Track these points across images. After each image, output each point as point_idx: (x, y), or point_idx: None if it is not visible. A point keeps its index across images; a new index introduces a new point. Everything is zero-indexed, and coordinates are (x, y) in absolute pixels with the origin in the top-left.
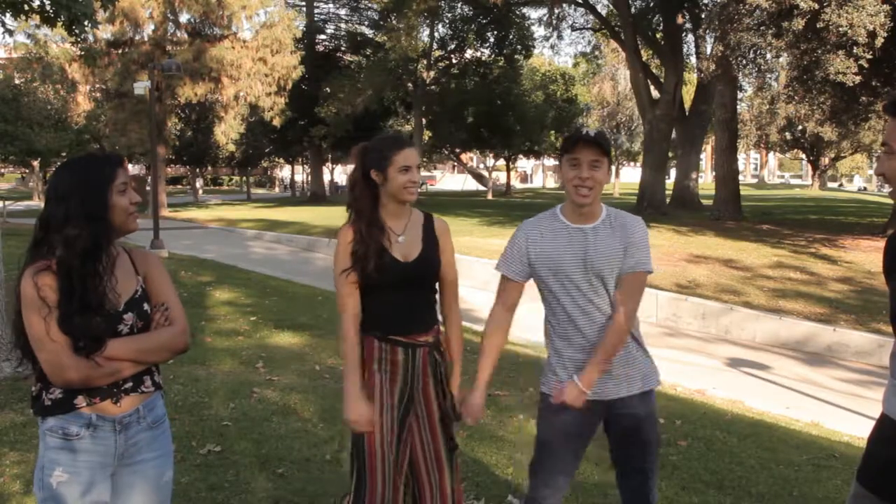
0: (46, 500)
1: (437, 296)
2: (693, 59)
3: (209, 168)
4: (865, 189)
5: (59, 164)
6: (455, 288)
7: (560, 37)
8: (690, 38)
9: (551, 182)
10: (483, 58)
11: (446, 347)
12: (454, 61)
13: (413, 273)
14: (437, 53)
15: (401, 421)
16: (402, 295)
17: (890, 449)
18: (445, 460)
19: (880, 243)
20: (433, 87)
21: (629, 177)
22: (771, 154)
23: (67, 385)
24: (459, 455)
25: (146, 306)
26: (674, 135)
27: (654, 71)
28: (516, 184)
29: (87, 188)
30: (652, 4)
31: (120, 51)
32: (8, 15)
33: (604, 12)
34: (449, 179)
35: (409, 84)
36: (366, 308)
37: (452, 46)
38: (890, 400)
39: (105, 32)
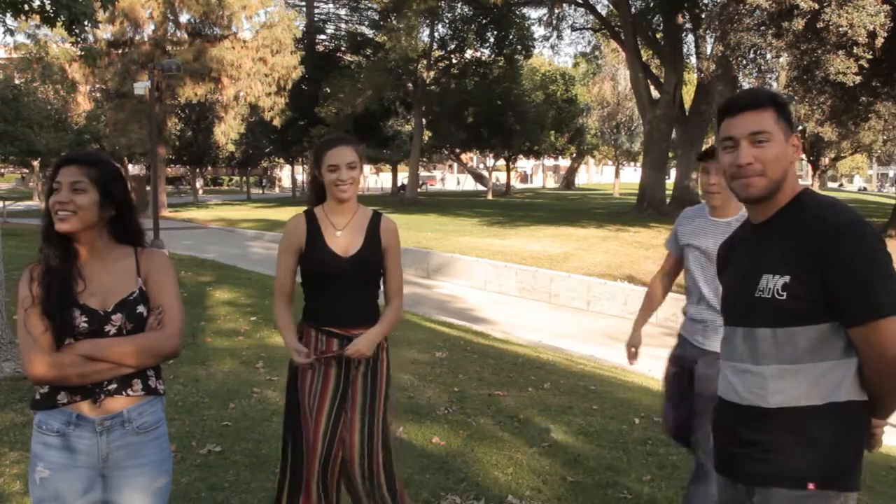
0: (33, 493)
1: (382, 293)
2: (693, 59)
3: (209, 168)
4: (865, 189)
5: None
6: (397, 294)
7: (560, 37)
8: (690, 38)
9: (551, 182)
10: (483, 58)
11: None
12: (454, 61)
13: (348, 268)
14: (437, 53)
15: (336, 412)
16: (339, 289)
17: (736, 431)
18: (357, 442)
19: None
20: (433, 87)
21: (629, 177)
22: None
23: (37, 380)
24: (395, 449)
25: (141, 308)
26: (674, 135)
27: (654, 71)
28: (516, 184)
29: (46, 192)
30: (652, 4)
31: (120, 51)
32: (8, 15)
33: (604, 12)
34: (451, 179)
35: (409, 84)
36: (306, 298)
37: (452, 46)
38: (722, 382)
39: (105, 32)
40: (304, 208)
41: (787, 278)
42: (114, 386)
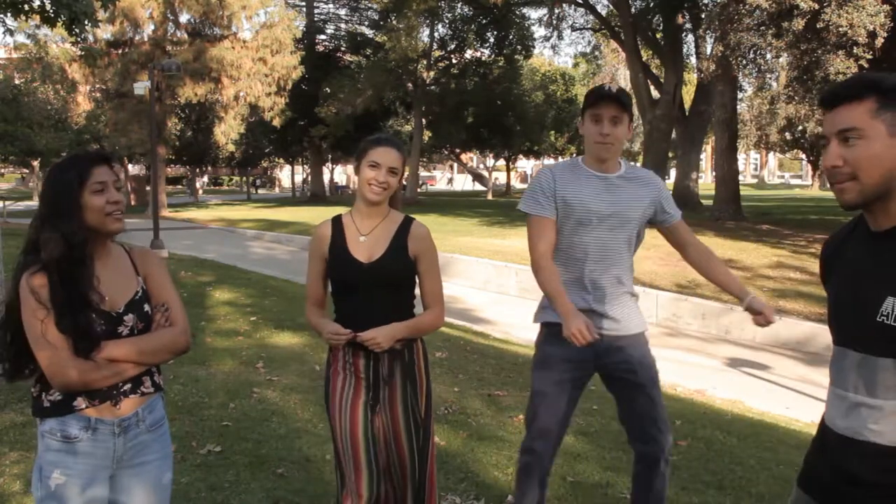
0: (45, 501)
1: (418, 300)
2: (693, 59)
3: (209, 168)
4: None
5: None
6: (435, 301)
7: (560, 37)
8: (690, 38)
9: None
10: (483, 58)
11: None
12: (454, 61)
13: (369, 275)
14: (437, 53)
15: (371, 418)
16: (364, 298)
17: (832, 458)
18: (409, 467)
19: None
20: (433, 87)
21: None
22: (771, 154)
23: (66, 388)
24: (429, 457)
25: (147, 307)
26: (674, 135)
27: (654, 71)
28: (516, 184)
29: (59, 190)
30: (652, 4)
31: (120, 51)
32: (8, 15)
33: (604, 12)
34: (457, 179)
35: (409, 84)
36: (334, 310)
37: (452, 46)
38: (831, 409)
39: (105, 32)
40: (302, 209)
41: None
42: (128, 386)
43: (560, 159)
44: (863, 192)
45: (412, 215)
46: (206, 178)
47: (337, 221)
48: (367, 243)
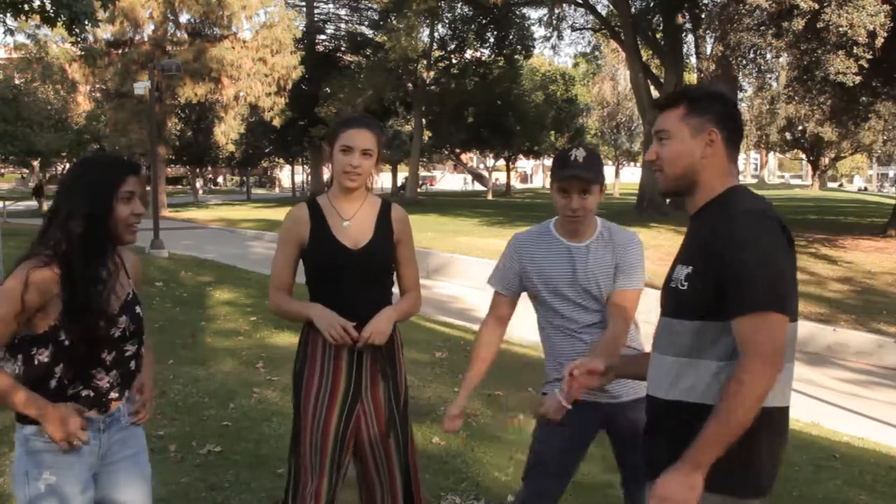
0: (34, 499)
1: (396, 289)
2: (693, 59)
3: (209, 168)
4: (866, 189)
5: (79, 158)
6: (413, 286)
7: (560, 37)
8: (690, 38)
9: None
10: (483, 58)
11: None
12: (454, 61)
13: (358, 261)
14: (437, 53)
15: (345, 419)
16: (349, 286)
17: (645, 421)
18: (396, 462)
19: (880, 243)
20: (433, 87)
21: (629, 177)
22: (771, 154)
23: None
24: (410, 443)
25: (138, 309)
26: None
27: (654, 71)
28: (516, 184)
29: (93, 187)
30: (652, 4)
31: (120, 51)
32: (8, 15)
33: (604, 12)
34: (450, 179)
35: (409, 84)
36: (312, 299)
37: (452, 46)
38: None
39: (105, 32)
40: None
41: (689, 269)
42: (116, 395)
43: None
44: (667, 183)
45: (414, 215)
46: (220, 179)
47: (314, 205)
48: (351, 228)
